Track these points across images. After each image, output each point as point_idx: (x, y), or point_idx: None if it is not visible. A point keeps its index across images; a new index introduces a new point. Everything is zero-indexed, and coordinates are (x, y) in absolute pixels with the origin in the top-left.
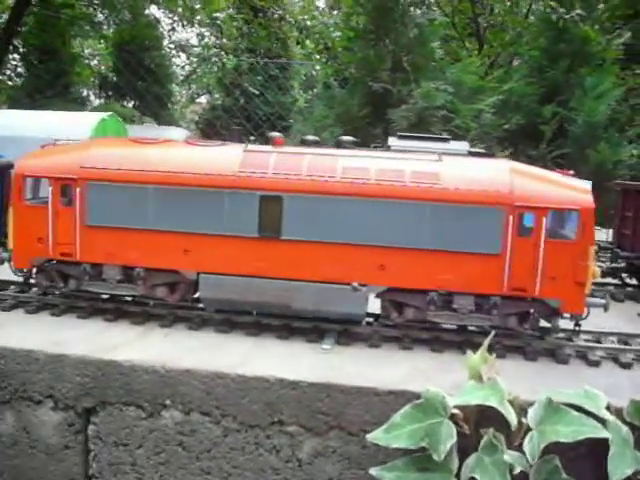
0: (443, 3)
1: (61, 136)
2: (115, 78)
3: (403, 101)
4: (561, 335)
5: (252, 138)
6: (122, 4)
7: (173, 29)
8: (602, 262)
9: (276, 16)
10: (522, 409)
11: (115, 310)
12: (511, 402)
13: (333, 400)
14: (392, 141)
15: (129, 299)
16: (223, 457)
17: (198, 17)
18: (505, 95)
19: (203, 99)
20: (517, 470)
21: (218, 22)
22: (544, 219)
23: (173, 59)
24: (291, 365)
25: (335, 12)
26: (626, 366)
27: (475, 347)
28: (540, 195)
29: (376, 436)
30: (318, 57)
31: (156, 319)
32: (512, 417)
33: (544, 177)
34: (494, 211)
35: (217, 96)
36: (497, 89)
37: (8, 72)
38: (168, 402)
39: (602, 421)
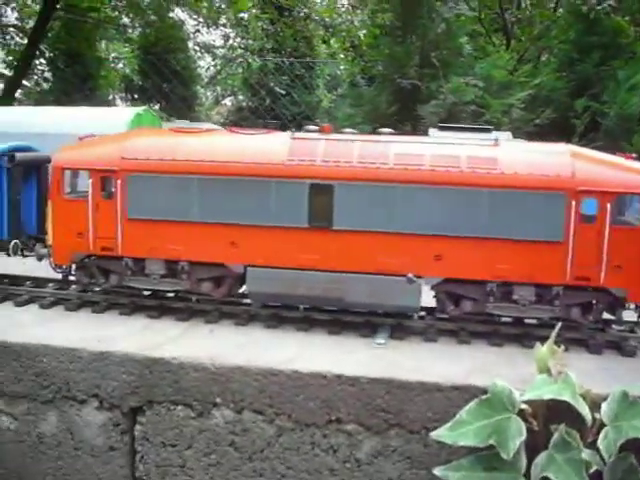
0: None
1: (97, 131)
2: (140, 81)
3: (432, 97)
4: (622, 327)
5: None
6: (147, 7)
7: (198, 31)
8: None
9: (301, 15)
10: (595, 404)
11: (158, 307)
12: (583, 396)
13: (393, 397)
14: (432, 132)
15: (172, 295)
16: (277, 457)
17: (223, 18)
18: (535, 90)
19: (228, 101)
20: (592, 469)
21: (244, 22)
22: (609, 205)
23: (198, 61)
24: (346, 360)
25: (359, 10)
26: None
27: (535, 340)
28: (604, 179)
29: (441, 434)
30: (343, 56)
31: (201, 315)
32: (586, 412)
33: (607, 160)
34: (555, 196)
35: (242, 97)
36: (527, 84)
37: (35, 77)
38: (218, 400)
39: None
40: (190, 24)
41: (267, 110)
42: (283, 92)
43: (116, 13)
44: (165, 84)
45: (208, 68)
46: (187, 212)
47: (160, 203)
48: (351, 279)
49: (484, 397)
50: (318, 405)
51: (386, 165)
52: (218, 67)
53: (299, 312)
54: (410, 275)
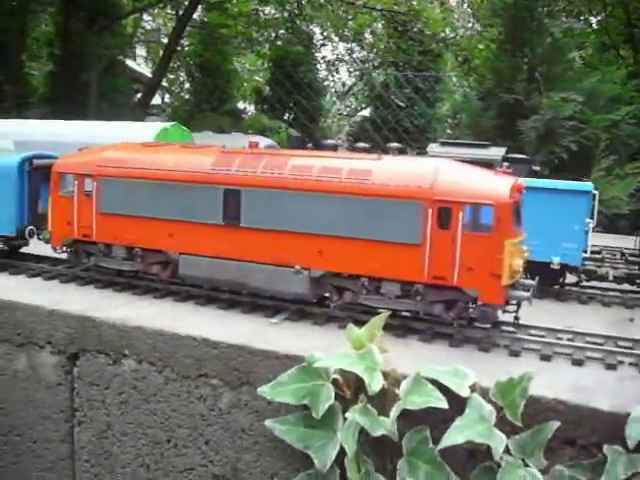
0: (597, 10)
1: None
2: (270, 92)
3: (534, 112)
4: (488, 326)
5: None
6: (273, 22)
7: (323, 45)
8: (615, 268)
9: (415, 30)
10: (397, 381)
11: (125, 283)
12: (386, 374)
13: (244, 360)
14: (431, 147)
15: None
16: (165, 401)
17: (347, 31)
18: None
19: (366, 112)
20: (378, 433)
21: (366, 37)
22: (461, 213)
23: (323, 72)
24: (224, 330)
25: (470, 24)
26: (545, 358)
27: (413, 331)
28: (458, 191)
29: (264, 390)
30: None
31: (152, 292)
32: (374, 384)
33: (468, 175)
34: (414, 205)
35: (368, 110)
36: (638, 98)
37: (175, 89)
38: (126, 352)
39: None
40: (317, 38)
41: (385, 122)
42: (403, 105)
43: (247, 28)
44: (290, 96)
45: (339, 82)
46: (139, 208)
47: (121, 201)
48: (252, 268)
49: (303, 364)
50: (192, 362)
51: (282, 175)
52: (352, 80)
53: (228, 294)
54: (297, 267)
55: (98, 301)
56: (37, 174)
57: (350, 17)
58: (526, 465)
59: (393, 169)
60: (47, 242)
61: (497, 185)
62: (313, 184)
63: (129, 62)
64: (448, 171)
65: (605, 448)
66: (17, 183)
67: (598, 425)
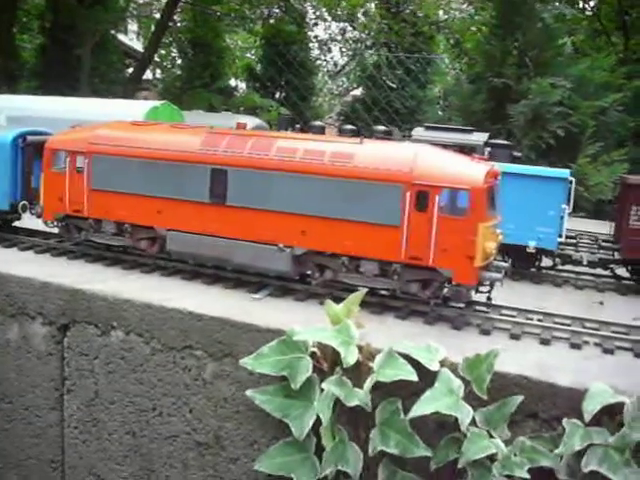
0: None
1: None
2: (262, 71)
3: (524, 97)
4: (461, 305)
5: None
6: (268, 1)
7: (316, 24)
8: (592, 253)
9: (408, 11)
10: (372, 355)
11: (114, 258)
12: (361, 348)
13: (227, 332)
14: (416, 131)
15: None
16: (152, 371)
17: (339, 11)
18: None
19: (358, 92)
20: (352, 403)
21: (359, 17)
22: (437, 197)
23: (315, 51)
24: (209, 304)
25: (464, 5)
26: (514, 337)
27: (389, 309)
28: (435, 175)
29: (246, 361)
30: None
31: (139, 266)
32: (350, 357)
33: (446, 160)
34: (394, 187)
35: (359, 89)
36: (627, 85)
37: (166, 64)
38: (115, 324)
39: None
40: (309, 17)
41: (375, 102)
42: (394, 86)
43: (239, 5)
44: (282, 74)
45: (331, 61)
46: (129, 185)
47: (113, 178)
48: (238, 245)
49: (283, 338)
50: (177, 333)
51: (267, 156)
52: (344, 60)
53: (212, 270)
54: (281, 245)
55: (89, 274)
56: (30, 150)
57: None
58: (491, 436)
59: (374, 153)
60: (39, 217)
61: (473, 171)
62: (297, 166)
63: (121, 36)
64: (427, 156)
65: (564, 421)
66: (11, 159)
67: (558, 400)
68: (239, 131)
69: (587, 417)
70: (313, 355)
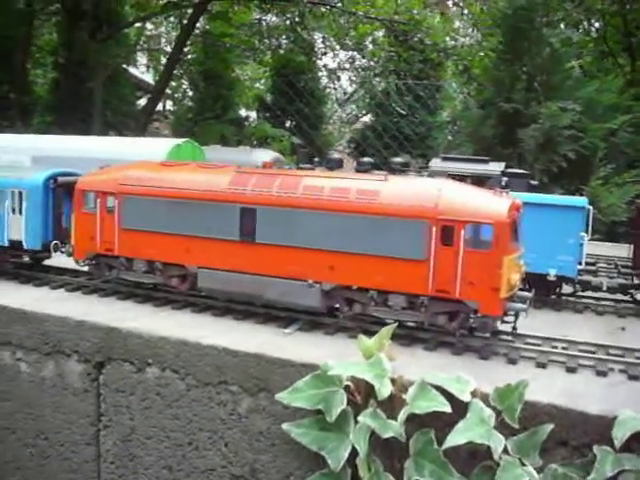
0: (595, 18)
1: (139, 159)
2: (273, 101)
3: (534, 121)
4: (487, 335)
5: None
6: (277, 32)
7: (325, 53)
8: (610, 277)
9: (416, 39)
10: (404, 387)
11: (145, 295)
12: (393, 380)
13: (262, 368)
14: (434, 162)
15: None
16: (187, 406)
17: (348, 41)
18: None
19: (367, 119)
20: (387, 435)
21: (367, 45)
22: (462, 231)
23: (324, 80)
24: (242, 340)
25: (470, 30)
26: (541, 365)
27: (418, 341)
28: (460, 210)
29: (282, 396)
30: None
31: (170, 303)
32: (384, 390)
33: (469, 195)
34: (420, 223)
35: (369, 116)
36: (635, 107)
37: (177, 96)
38: (150, 361)
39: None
40: (318, 47)
41: (386, 130)
42: (404, 113)
43: (249, 37)
44: (292, 104)
45: (340, 89)
46: (159, 225)
47: (142, 217)
48: (267, 281)
49: (317, 372)
50: (212, 369)
51: (295, 194)
52: (353, 87)
53: (241, 305)
54: (310, 281)
55: (121, 312)
56: (60, 191)
57: (351, 27)
58: (523, 464)
59: (399, 189)
60: (69, 255)
61: (496, 205)
62: (324, 203)
63: (131, 69)
64: (450, 191)
65: (595, 448)
66: (42, 200)
67: (588, 427)
68: (266, 170)
69: (617, 444)
70: (347, 388)
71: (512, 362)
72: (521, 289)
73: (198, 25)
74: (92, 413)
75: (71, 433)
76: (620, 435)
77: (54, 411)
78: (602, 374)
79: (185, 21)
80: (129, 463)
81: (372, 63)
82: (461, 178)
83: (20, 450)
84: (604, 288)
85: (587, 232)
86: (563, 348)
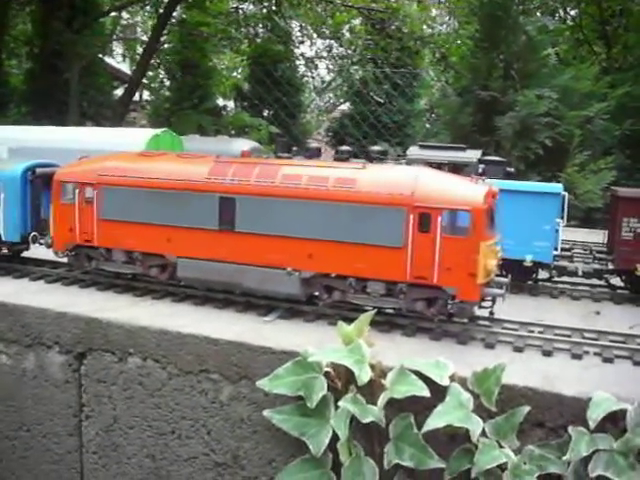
0: (571, 6)
1: (117, 149)
2: (250, 90)
3: (511, 109)
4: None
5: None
6: (252, 19)
7: (302, 42)
8: (586, 263)
9: (393, 27)
10: (383, 373)
11: (125, 285)
12: (373, 366)
13: (242, 355)
14: (411, 150)
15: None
16: (169, 395)
17: (325, 29)
18: (624, 100)
19: (345, 107)
20: (367, 420)
21: (345, 34)
22: (439, 218)
23: (302, 68)
24: (223, 328)
25: (447, 19)
26: (518, 350)
27: (397, 327)
28: (437, 197)
29: (262, 383)
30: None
31: (149, 293)
32: (363, 375)
33: (446, 182)
34: (397, 211)
35: (347, 104)
36: (610, 94)
37: (155, 86)
38: (131, 350)
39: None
40: (295, 35)
41: (363, 118)
42: (382, 101)
43: (226, 26)
44: (270, 93)
45: (318, 78)
46: (138, 215)
47: (121, 208)
48: (246, 269)
49: (298, 359)
50: (194, 358)
51: (274, 183)
52: (331, 76)
53: (220, 294)
54: (289, 269)
55: (101, 302)
56: (38, 182)
57: (328, 15)
58: (501, 446)
59: (377, 178)
60: (49, 247)
61: (472, 192)
62: (303, 192)
63: (107, 59)
64: (427, 179)
65: (570, 429)
66: (21, 192)
67: (564, 409)
68: (245, 159)
69: (592, 424)
70: (327, 374)
71: (490, 346)
72: (498, 275)
73: (175, 14)
74: (74, 404)
75: (53, 424)
76: (594, 416)
77: (36, 403)
78: (577, 357)
79: (161, 10)
80: (112, 453)
81: (349, 51)
82: (438, 166)
83: (2, 442)
84: (580, 273)
85: (563, 218)
86: (539, 332)
